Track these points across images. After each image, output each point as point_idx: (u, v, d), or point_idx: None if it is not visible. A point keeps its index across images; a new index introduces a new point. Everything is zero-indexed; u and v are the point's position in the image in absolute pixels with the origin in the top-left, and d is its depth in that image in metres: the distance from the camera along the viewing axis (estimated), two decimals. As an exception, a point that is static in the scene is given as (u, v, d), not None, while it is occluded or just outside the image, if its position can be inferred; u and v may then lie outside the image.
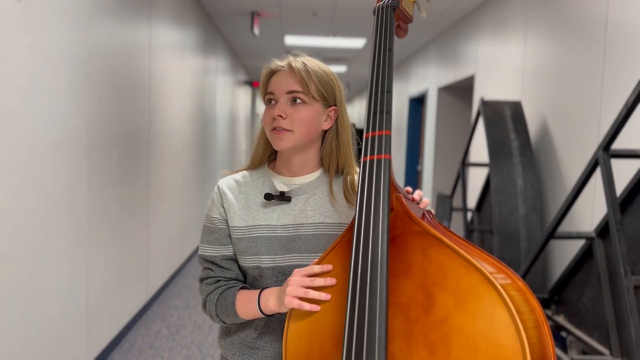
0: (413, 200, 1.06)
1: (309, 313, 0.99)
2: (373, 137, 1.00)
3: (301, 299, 0.99)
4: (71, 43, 2.50)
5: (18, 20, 2.05)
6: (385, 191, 0.94)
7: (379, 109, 1.01)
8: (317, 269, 1.00)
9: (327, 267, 1.00)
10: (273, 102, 1.16)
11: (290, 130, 1.13)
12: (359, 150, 1.03)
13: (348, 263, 0.98)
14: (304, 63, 1.15)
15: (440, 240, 0.88)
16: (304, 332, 0.99)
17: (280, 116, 1.12)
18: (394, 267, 0.91)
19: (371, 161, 0.98)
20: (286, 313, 1.16)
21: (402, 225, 0.94)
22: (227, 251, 1.20)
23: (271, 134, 1.14)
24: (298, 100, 1.14)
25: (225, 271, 1.20)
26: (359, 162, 1.01)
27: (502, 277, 0.86)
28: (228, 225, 1.19)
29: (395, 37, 1.14)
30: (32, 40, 2.15)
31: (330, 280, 0.98)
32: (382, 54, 1.06)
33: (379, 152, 0.98)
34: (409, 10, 1.17)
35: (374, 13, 1.13)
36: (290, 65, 1.16)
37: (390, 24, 1.09)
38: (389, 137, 0.99)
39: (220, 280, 1.20)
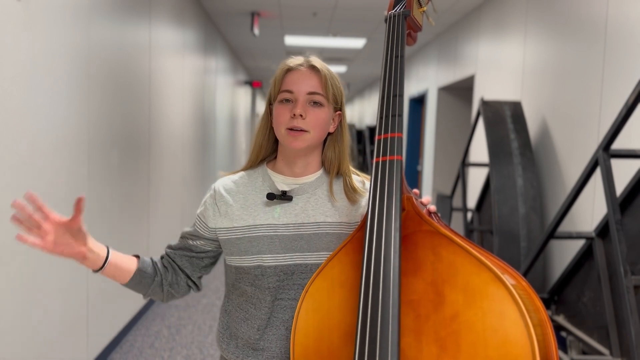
0: (421, 204, 1.07)
1: (317, 311, 1.01)
2: (385, 139, 1.03)
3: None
4: (71, 43, 2.50)
5: (18, 20, 2.05)
6: (398, 191, 0.97)
7: (391, 112, 1.05)
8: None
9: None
10: (290, 100, 1.15)
11: (306, 131, 1.14)
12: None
13: (358, 261, 1.00)
14: (323, 65, 1.17)
15: (450, 240, 0.91)
16: (312, 330, 1.01)
17: (301, 115, 1.12)
18: (404, 266, 0.93)
19: (384, 162, 1.01)
20: (287, 313, 1.17)
21: (413, 225, 0.96)
22: (190, 241, 1.25)
23: (286, 133, 1.14)
24: (318, 103, 1.15)
25: (172, 248, 1.28)
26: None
27: (508, 277, 0.88)
28: (209, 230, 1.22)
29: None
30: (32, 40, 2.15)
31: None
32: (393, 60, 1.10)
33: (391, 154, 1.01)
34: (419, 19, 1.21)
35: (385, 21, 1.16)
36: (311, 66, 1.16)
37: (401, 31, 1.12)
38: (400, 139, 1.02)
39: (167, 246, 1.30)
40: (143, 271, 1.22)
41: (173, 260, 1.27)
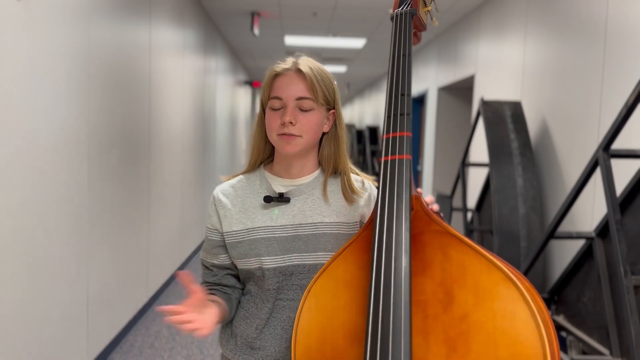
0: (425, 203, 1.07)
1: (320, 311, 1.01)
2: (394, 138, 1.02)
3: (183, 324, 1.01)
4: (71, 43, 2.50)
5: (18, 20, 2.05)
6: (407, 191, 0.97)
7: (399, 111, 1.04)
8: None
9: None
10: (280, 106, 1.15)
11: (299, 136, 1.13)
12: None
13: (363, 260, 0.99)
14: (310, 67, 1.15)
15: (460, 240, 0.90)
16: (315, 330, 1.00)
17: (291, 122, 1.12)
18: (412, 265, 0.93)
19: (392, 161, 1.00)
20: (284, 313, 1.17)
21: (421, 225, 0.96)
22: (216, 260, 1.24)
23: (279, 139, 1.14)
24: (307, 107, 1.14)
25: (212, 275, 1.25)
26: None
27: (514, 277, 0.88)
28: (221, 234, 1.22)
29: None
30: (32, 40, 2.15)
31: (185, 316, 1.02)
32: (400, 58, 1.09)
33: (400, 153, 1.00)
34: (423, 19, 1.21)
35: (391, 19, 1.16)
36: (298, 69, 1.15)
37: (408, 30, 1.12)
38: (409, 139, 1.01)
39: (205, 282, 1.26)
40: (229, 299, 1.23)
41: (223, 284, 1.25)
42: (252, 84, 11.20)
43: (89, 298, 2.80)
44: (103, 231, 2.97)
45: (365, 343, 0.91)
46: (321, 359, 0.99)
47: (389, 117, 1.04)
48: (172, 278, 4.80)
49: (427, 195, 1.08)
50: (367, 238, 1.00)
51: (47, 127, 2.29)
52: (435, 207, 1.06)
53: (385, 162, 1.01)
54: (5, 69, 1.98)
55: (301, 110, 1.14)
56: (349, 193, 1.20)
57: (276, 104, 1.15)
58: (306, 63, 1.16)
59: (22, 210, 2.12)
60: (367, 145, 10.75)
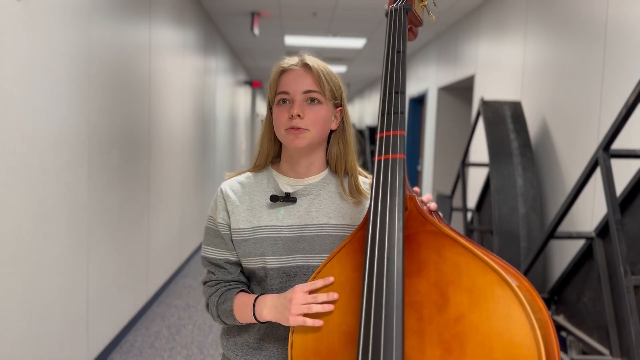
0: (422, 202, 1.06)
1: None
2: (387, 137, 1.00)
3: (304, 314, 1.00)
4: (71, 43, 2.50)
5: (18, 20, 2.05)
6: (401, 190, 0.95)
7: (393, 110, 1.02)
8: (319, 283, 1.01)
9: (329, 279, 1.00)
10: (287, 101, 1.14)
11: (307, 130, 1.12)
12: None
13: (358, 262, 0.98)
14: (317, 62, 1.16)
15: (454, 240, 0.89)
16: (311, 331, 1.00)
17: (299, 115, 1.11)
18: (407, 266, 0.92)
19: (386, 160, 0.99)
20: None
21: (416, 225, 0.94)
22: (232, 256, 1.20)
23: (286, 133, 1.13)
24: (315, 100, 1.14)
25: (228, 274, 1.21)
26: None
27: (511, 278, 0.87)
28: (231, 230, 1.19)
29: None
30: (32, 40, 2.15)
31: (332, 295, 0.99)
32: (394, 55, 1.07)
33: (394, 152, 0.99)
34: (419, 14, 1.18)
35: (386, 15, 1.14)
36: (305, 64, 1.15)
37: (403, 26, 1.10)
38: (403, 137, 1.00)
39: (220, 282, 1.21)
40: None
41: (242, 281, 1.23)
42: (252, 84, 11.19)
43: (89, 298, 2.80)
44: (103, 231, 2.97)
45: (358, 344, 0.90)
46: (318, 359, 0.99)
47: (382, 115, 1.03)
48: (172, 278, 4.81)
49: (425, 194, 1.07)
50: (361, 239, 0.99)
51: (47, 127, 2.29)
52: (433, 205, 1.04)
53: (379, 161, 0.99)
54: (5, 69, 1.98)
55: (308, 104, 1.13)
56: (355, 193, 1.19)
57: (284, 98, 1.14)
58: (312, 59, 1.17)
59: (22, 210, 2.12)
60: (367, 145, 10.75)
